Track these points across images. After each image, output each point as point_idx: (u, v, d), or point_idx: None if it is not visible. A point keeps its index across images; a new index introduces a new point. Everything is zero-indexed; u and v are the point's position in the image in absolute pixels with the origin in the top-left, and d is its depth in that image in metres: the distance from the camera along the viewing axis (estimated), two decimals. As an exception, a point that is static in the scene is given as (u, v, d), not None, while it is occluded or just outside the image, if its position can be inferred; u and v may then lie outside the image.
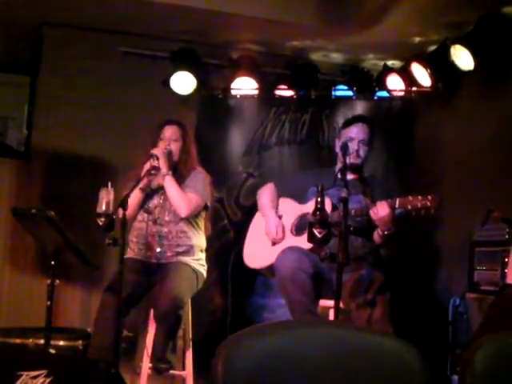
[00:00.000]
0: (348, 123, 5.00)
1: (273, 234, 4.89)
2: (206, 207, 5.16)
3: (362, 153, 4.84)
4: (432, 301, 6.24)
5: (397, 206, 4.32)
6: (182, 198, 4.94)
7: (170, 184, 4.94)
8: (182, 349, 5.01)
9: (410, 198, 4.26)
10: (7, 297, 6.11)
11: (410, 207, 4.24)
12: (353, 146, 4.80)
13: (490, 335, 2.18)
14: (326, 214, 3.91)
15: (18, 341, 5.34)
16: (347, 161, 4.54)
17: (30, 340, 5.32)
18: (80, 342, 5.41)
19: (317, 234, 3.85)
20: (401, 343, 2.05)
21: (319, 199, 3.89)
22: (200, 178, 5.14)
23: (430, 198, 4.21)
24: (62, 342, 5.29)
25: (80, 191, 6.07)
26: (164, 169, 4.89)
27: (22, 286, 6.13)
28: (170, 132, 5.11)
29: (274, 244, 4.90)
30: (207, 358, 5.30)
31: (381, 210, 4.34)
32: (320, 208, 3.87)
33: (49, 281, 4.44)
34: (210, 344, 5.61)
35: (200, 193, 5.05)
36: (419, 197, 4.23)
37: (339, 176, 4.23)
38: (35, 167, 6.31)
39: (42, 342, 5.23)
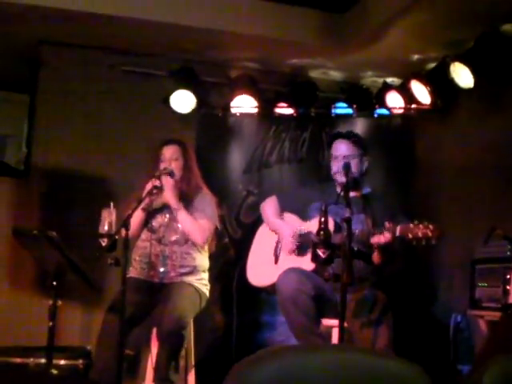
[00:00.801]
0: (330, 142, 5.01)
1: (289, 246, 4.86)
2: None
3: (354, 169, 4.79)
4: (433, 318, 6.24)
5: (397, 234, 4.26)
6: (196, 228, 5.00)
7: (183, 218, 4.99)
8: (184, 369, 4.99)
9: (411, 225, 4.18)
10: (6, 316, 6.06)
11: (410, 236, 4.16)
12: (337, 164, 4.81)
13: (497, 356, 2.17)
14: (330, 234, 3.90)
15: (18, 360, 5.30)
16: (339, 179, 4.68)
17: (31, 359, 5.28)
18: (81, 361, 5.37)
19: (321, 254, 3.85)
20: (407, 365, 2.05)
21: (323, 219, 3.89)
22: (207, 200, 5.16)
23: (431, 227, 4.13)
24: (62, 362, 5.23)
25: (80, 210, 6.07)
26: (173, 202, 4.95)
27: (21, 304, 6.09)
28: (169, 152, 5.12)
29: (277, 258, 4.89)
30: (209, 377, 5.32)
31: (380, 238, 4.32)
32: (324, 228, 3.87)
33: (50, 301, 4.41)
34: (213, 363, 5.65)
35: (210, 217, 5.10)
36: (420, 225, 4.15)
37: (342, 194, 4.24)
38: (34, 186, 6.27)
39: (42, 361, 5.22)
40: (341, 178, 4.74)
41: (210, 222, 5.09)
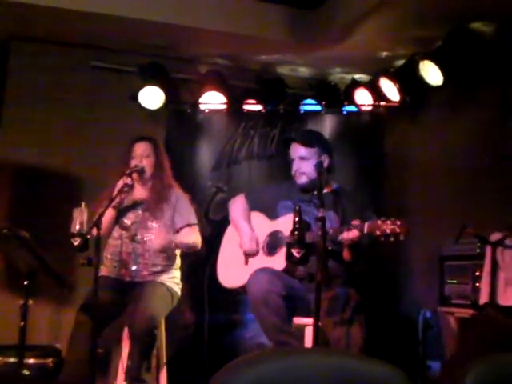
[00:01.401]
0: (284, 146, 5.02)
1: (247, 246, 4.87)
2: None
3: (305, 169, 4.81)
4: (401, 314, 6.28)
5: (365, 231, 4.24)
6: (193, 244, 5.10)
7: (180, 243, 5.03)
8: (155, 367, 4.97)
9: (379, 222, 4.14)
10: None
11: (378, 232, 4.11)
12: (295, 166, 4.85)
13: (481, 357, 2.19)
14: (304, 233, 3.90)
15: (-14, 359, 5.27)
16: (298, 181, 4.76)
17: (0, 358, 5.24)
18: (50, 359, 5.34)
19: (295, 254, 3.85)
20: (391, 369, 2.06)
21: (297, 219, 3.89)
22: (185, 202, 5.19)
23: (398, 223, 4.08)
24: (31, 360, 5.20)
25: (47, 207, 6.02)
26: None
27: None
28: (141, 149, 5.08)
29: (247, 258, 4.89)
30: (181, 374, 5.31)
31: (348, 235, 4.30)
32: (298, 228, 3.87)
33: (21, 301, 4.36)
34: (184, 360, 5.64)
35: (193, 220, 5.15)
36: (388, 221, 4.10)
37: (315, 193, 4.26)
38: (1, 182, 6.20)
39: (11, 360, 5.18)
40: (299, 180, 4.82)
41: (196, 226, 5.15)
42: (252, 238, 4.89)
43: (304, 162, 4.80)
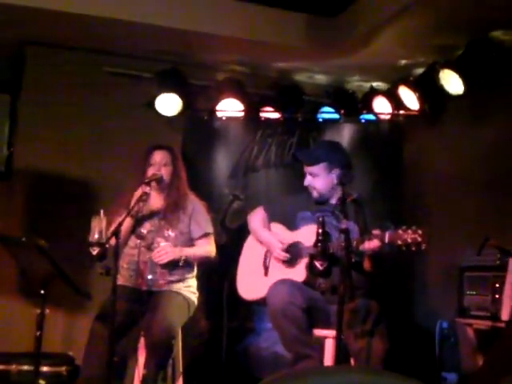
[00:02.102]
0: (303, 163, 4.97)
1: (281, 255, 4.79)
2: None
3: (315, 184, 4.77)
4: (418, 325, 6.23)
5: (386, 241, 4.17)
6: (208, 254, 5.09)
7: (196, 255, 5.02)
8: (171, 377, 4.93)
9: (400, 231, 4.08)
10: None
11: (400, 242, 4.06)
12: (306, 182, 4.82)
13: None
14: (328, 245, 3.85)
15: (0, 367, 5.24)
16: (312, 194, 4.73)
17: (13, 366, 5.22)
18: (64, 367, 5.33)
19: (318, 266, 3.81)
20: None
21: (320, 230, 3.84)
22: (201, 210, 5.16)
23: (420, 232, 4.03)
24: (45, 368, 5.19)
25: (64, 214, 5.99)
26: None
27: (2, 310, 6.00)
28: (159, 157, 5.04)
29: (266, 269, 4.84)
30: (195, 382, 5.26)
31: (369, 246, 4.24)
32: (321, 239, 3.82)
33: (38, 310, 4.32)
34: (200, 369, 5.59)
35: (209, 230, 5.13)
36: (409, 230, 4.04)
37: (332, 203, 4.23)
38: (17, 189, 6.17)
39: (25, 368, 5.16)
40: (312, 194, 4.80)
41: (211, 236, 5.13)
42: (283, 246, 4.83)
43: (313, 178, 4.77)
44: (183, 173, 5.18)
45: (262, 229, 4.99)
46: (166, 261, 4.84)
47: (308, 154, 4.93)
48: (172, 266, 4.89)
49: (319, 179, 4.73)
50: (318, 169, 4.74)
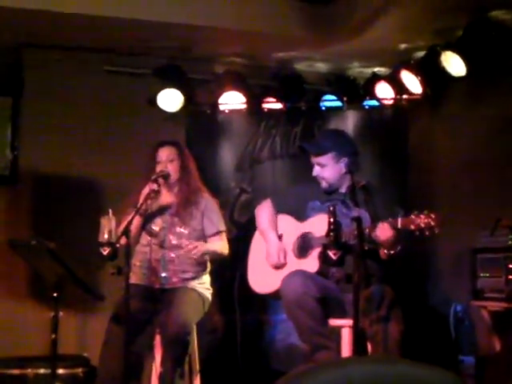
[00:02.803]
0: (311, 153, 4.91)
1: (274, 260, 4.78)
2: None
3: (324, 174, 4.74)
4: (432, 309, 6.21)
5: (399, 227, 4.17)
6: (221, 252, 5.05)
7: (210, 251, 4.98)
8: (188, 374, 4.92)
9: (413, 216, 4.08)
10: (1, 327, 5.95)
11: (413, 227, 4.06)
12: (314, 172, 4.79)
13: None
14: (340, 234, 3.83)
15: (16, 371, 5.21)
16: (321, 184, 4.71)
17: (29, 370, 5.20)
18: (80, 369, 5.31)
19: (331, 255, 3.78)
20: (449, 376, 2.00)
21: (331, 220, 3.82)
22: (214, 207, 5.14)
23: (433, 216, 4.02)
24: (61, 371, 5.14)
25: (72, 215, 5.99)
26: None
27: (15, 314, 6.00)
28: (165, 154, 5.02)
29: (276, 268, 4.82)
30: (215, 380, 5.27)
31: (383, 233, 4.22)
32: (333, 229, 3.80)
33: (52, 313, 4.33)
34: (217, 365, 5.60)
35: (222, 227, 5.12)
36: (422, 215, 4.04)
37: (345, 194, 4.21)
38: (24, 193, 6.16)
39: (41, 371, 5.15)
40: (321, 184, 4.77)
41: (224, 234, 5.13)
42: (280, 249, 4.81)
43: (321, 169, 4.74)
44: (192, 167, 5.15)
45: (268, 229, 4.94)
46: (199, 254, 4.81)
47: (315, 145, 4.89)
48: (187, 261, 4.88)
49: (328, 169, 4.70)
50: (326, 159, 4.71)
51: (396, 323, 4.29)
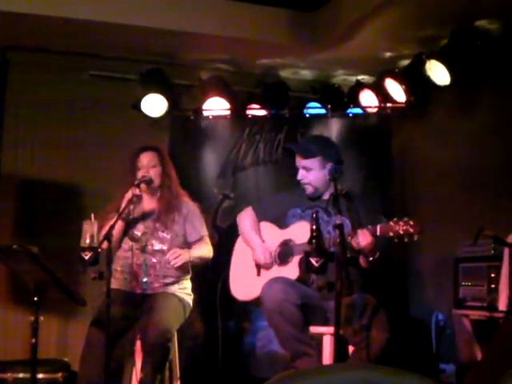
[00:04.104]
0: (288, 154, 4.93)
1: (261, 261, 4.78)
2: None
3: (309, 179, 4.71)
4: (413, 317, 6.22)
5: (378, 234, 4.17)
6: (206, 257, 5.08)
7: (194, 256, 4.96)
8: (168, 380, 4.90)
9: (392, 223, 4.08)
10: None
11: (392, 234, 4.06)
12: (299, 176, 4.76)
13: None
14: (323, 242, 3.82)
15: (-5, 376, 5.19)
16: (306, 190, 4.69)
17: (9, 374, 5.16)
18: (60, 374, 5.29)
19: (314, 263, 3.76)
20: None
21: (314, 227, 3.81)
22: (196, 212, 5.13)
23: (411, 223, 4.02)
24: (41, 375, 5.12)
25: (52, 220, 5.95)
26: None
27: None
28: (147, 159, 5.00)
29: (259, 269, 4.81)
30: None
31: (362, 240, 4.21)
32: (316, 236, 3.79)
33: (32, 317, 4.28)
34: (197, 371, 5.56)
35: (204, 232, 5.13)
36: (401, 222, 4.04)
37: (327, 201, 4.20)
38: (5, 197, 6.12)
39: (21, 375, 5.11)
40: (305, 190, 4.74)
41: (207, 239, 5.13)
42: (265, 250, 4.80)
43: (307, 173, 4.72)
44: (173, 173, 5.15)
45: (251, 232, 4.94)
46: (180, 263, 4.80)
47: (302, 147, 4.88)
48: (168, 267, 4.87)
49: (313, 173, 4.68)
50: (312, 162, 4.69)
51: (380, 330, 4.27)
